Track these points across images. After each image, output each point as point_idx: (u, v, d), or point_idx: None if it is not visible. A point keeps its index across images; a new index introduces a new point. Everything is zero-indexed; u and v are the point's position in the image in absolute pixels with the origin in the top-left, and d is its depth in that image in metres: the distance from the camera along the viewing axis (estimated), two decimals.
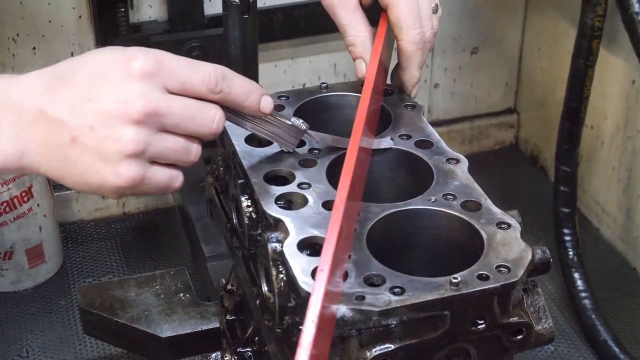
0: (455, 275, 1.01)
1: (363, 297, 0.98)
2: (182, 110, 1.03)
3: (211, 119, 1.06)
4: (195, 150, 1.07)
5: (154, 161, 1.04)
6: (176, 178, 1.07)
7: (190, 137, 1.06)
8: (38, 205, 2.04)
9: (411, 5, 1.29)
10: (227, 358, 1.45)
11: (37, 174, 1.09)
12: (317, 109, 1.33)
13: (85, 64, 1.03)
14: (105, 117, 1.00)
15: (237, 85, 1.08)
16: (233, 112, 1.12)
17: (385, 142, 1.24)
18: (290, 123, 1.19)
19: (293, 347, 1.08)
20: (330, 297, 0.94)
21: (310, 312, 0.90)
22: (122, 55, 1.02)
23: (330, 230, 0.98)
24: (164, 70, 1.02)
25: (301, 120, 1.20)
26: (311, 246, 1.07)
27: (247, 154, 1.22)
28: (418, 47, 1.30)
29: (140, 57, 1.02)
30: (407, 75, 1.33)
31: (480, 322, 1.03)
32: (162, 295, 1.60)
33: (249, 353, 1.38)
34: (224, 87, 1.06)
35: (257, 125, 1.15)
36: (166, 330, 1.55)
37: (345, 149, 1.16)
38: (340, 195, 1.02)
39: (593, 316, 1.97)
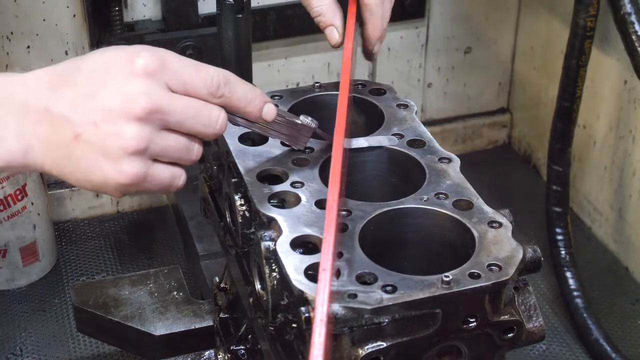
0: (446, 274, 1.01)
1: (355, 295, 0.99)
2: (185, 109, 1.03)
3: (215, 119, 1.06)
4: (196, 149, 1.07)
5: (156, 159, 1.04)
6: (179, 176, 1.07)
7: (191, 136, 1.06)
8: (32, 203, 2.04)
9: None
10: (220, 356, 1.46)
11: (41, 172, 1.08)
12: (311, 107, 1.34)
13: (88, 61, 1.04)
14: (107, 113, 1.00)
15: (239, 91, 1.08)
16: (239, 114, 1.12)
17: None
18: (299, 122, 1.19)
19: (286, 345, 1.08)
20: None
21: (318, 312, 0.91)
22: (125, 53, 1.03)
23: (327, 230, 0.99)
24: (167, 70, 1.03)
25: (310, 118, 1.20)
26: (304, 244, 1.07)
27: (241, 153, 1.22)
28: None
29: (144, 55, 1.02)
30: (371, 28, 1.34)
31: (471, 320, 1.04)
32: (156, 294, 1.60)
33: (242, 351, 1.38)
34: (225, 92, 1.06)
35: (265, 126, 1.15)
36: (160, 328, 1.55)
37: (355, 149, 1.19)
38: (332, 194, 1.03)
39: (585, 315, 1.98)
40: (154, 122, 1.01)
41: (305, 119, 1.20)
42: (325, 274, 0.94)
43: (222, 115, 1.07)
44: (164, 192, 1.10)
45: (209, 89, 1.05)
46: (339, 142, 1.11)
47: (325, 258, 0.96)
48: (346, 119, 1.17)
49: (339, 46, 1.34)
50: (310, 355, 0.86)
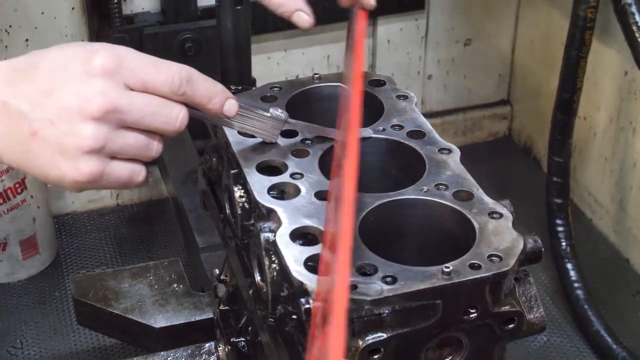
0: (447, 265, 1.01)
1: (355, 287, 0.99)
2: (143, 107, 1.03)
3: (175, 117, 1.06)
4: (156, 147, 1.07)
5: (114, 156, 1.04)
6: (138, 173, 1.07)
7: (151, 133, 1.06)
8: (32, 196, 2.04)
9: None
10: (220, 348, 1.45)
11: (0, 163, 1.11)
12: (310, 99, 1.33)
13: (47, 58, 1.04)
14: (65, 112, 1.00)
15: (201, 88, 1.08)
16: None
17: (365, 132, 1.24)
18: (268, 115, 1.19)
19: (286, 336, 1.08)
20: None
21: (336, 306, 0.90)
22: (83, 51, 1.03)
23: (345, 224, 0.97)
24: (125, 68, 1.02)
25: (280, 110, 1.20)
26: (303, 236, 1.07)
27: (240, 145, 1.22)
28: None
29: (102, 54, 1.02)
30: None
31: (472, 311, 1.03)
32: (156, 286, 1.60)
33: (243, 343, 1.38)
34: (187, 89, 1.06)
35: (230, 121, 1.15)
36: (160, 320, 1.55)
37: (325, 137, 1.20)
38: (349, 187, 1.01)
39: (585, 306, 1.98)
40: (111, 121, 1.01)
41: (274, 112, 1.19)
42: (342, 268, 0.93)
43: (182, 112, 1.06)
44: (124, 188, 1.11)
45: (170, 86, 1.05)
46: (354, 137, 1.09)
47: (343, 255, 0.94)
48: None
49: (312, 26, 1.30)
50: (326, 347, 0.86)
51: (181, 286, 1.60)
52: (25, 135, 1.01)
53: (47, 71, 1.02)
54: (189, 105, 1.08)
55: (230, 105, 1.13)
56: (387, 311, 0.99)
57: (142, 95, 1.04)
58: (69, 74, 1.01)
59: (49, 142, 1.01)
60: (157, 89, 1.04)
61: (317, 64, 2.32)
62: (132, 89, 1.03)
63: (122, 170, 1.05)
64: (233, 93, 1.19)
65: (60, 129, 1.00)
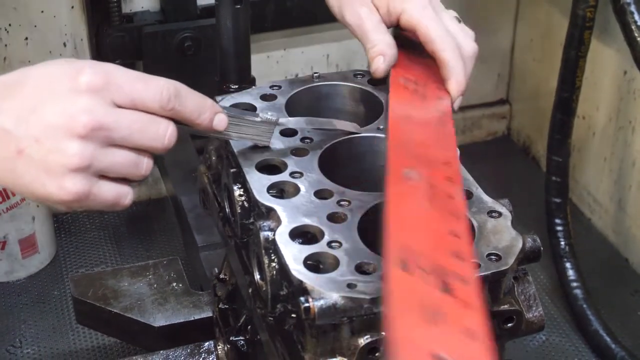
0: None
1: (354, 285, 0.99)
2: (130, 124, 1.02)
3: (162, 133, 1.05)
4: (145, 165, 1.06)
5: (103, 176, 1.03)
6: (125, 195, 1.06)
7: (140, 150, 1.05)
8: None
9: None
10: (220, 347, 1.45)
11: None
12: (309, 98, 1.33)
13: (33, 75, 1.03)
14: (50, 130, 0.99)
15: (189, 103, 1.07)
16: None
17: (350, 126, 1.24)
18: (259, 119, 1.18)
19: (285, 335, 1.08)
20: None
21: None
22: (70, 69, 1.02)
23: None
24: (112, 85, 1.01)
25: (270, 113, 1.20)
26: (303, 234, 1.07)
27: (240, 143, 1.22)
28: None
29: (88, 72, 1.01)
30: (454, 84, 1.35)
31: None
32: (155, 285, 1.60)
33: (242, 342, 1.38)
34: (175, 105, 1.05)
35: (223, 132, 1.15)
36: (159, 319, 1.55)
37: (320, 128, 1.21)
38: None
39: (584, 306, 1.98)
40: (98, 139, 1.00)
41: (264, 115, 1.19)
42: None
43: (170, 128, 1.05)
44: (111, 210, 1.09)
45: (159, 102, 1.04)
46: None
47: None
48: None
49: (380, 75, 1.31)
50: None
51: (180, 285, 1.60)
52: (11, 153, 1.00)
53: (33, 88, 1.01)
54: (178, 122, 1.07)
55: (220, 120, 1.12)
56: None
57: (129, 112, 1.02)
58: (55, 91, 1.00)
59: (34, 160, 0.99)
60: (145, 105, 1.03)
61: (316, 63, 2.32)
62: (120, 106, 1.02)
63: (109, 191, 1.04)
64: (232, 92, 1.19)
65: (45, 146, 0.99)
